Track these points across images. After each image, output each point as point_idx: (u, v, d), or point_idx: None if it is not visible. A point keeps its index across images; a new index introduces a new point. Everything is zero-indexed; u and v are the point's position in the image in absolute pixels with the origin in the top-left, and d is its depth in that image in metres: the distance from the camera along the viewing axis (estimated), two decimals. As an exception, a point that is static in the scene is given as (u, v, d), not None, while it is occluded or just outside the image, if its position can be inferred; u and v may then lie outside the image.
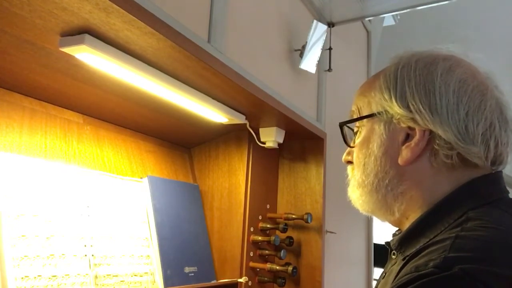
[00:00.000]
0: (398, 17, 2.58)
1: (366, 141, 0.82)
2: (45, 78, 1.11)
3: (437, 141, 0.73)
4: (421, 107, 0.73)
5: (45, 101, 1.21)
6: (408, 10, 1.69)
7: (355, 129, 0.88)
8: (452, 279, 0.56)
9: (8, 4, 0.80)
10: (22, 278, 0.96)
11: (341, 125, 0.89)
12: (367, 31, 2.60)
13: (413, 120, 0.74)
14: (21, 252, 0.98)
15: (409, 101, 0.75)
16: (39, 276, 1.00)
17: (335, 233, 1.89)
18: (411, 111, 0.74)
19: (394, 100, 0.77)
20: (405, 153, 0.76)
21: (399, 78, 0.78)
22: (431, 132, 0.74)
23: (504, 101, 0.77)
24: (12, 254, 0.96)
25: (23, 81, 1.11)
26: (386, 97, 0.78)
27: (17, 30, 0.90)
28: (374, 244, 2.45)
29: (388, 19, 2.60)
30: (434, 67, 0.76)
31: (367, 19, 2.34)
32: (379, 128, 0.80)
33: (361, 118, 0.84)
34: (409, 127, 0.76)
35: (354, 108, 0.87)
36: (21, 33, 0.91)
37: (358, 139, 0.85)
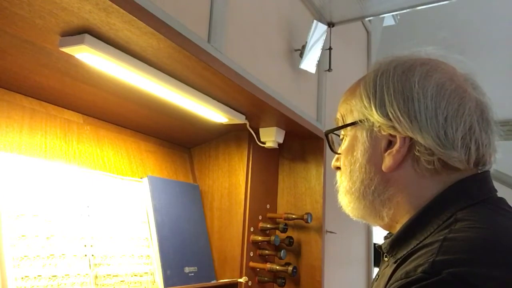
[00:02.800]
0: (398, 17, 2.58)
1: (351, 148, 0.83)
2: (45, 78, 1.11)
3: (417, 148, 0.74)
4: (399, 115, 0.74)
5: (45, 101, 1.21)
6: (408, 10, 1.69)
7: (341, 136, 0.89)
8: (441, 284, 0.56)
9: (8, 4, 0.80)
10: (22, 278, 0.96)
11: (327, 133, 0.90)
12: (367, 31, 2.60)
13: (393, 127, 0.75)
14: (21, 252, 0.98)
15: (388, 109, 0.75)
16: (39, 276, 1.00)
17: (335, 233, 1.89)
18: (390, 119, 0.75)
19: (374, 109, 0.77)
20: (388, 160, 0.77)
21: (378, 85, 0.78)
22: (411, 139, 0.74)
23: (485, 102, 0.76)
24: (12, 254, 0.96)
25: (23, 81, 1.11)
26: (367, 105, 0.79)
27: (17, 30, 0.90)
28: (374, 244, 2.45)
29: (388, 19, 2.60)
30: (411, 73, 0.76)
31: (367, 19, 2.34)
32: (361, 136, 0.80)
33: (344, 126, 0.85)
34: (390, 135, 0.76)
35: (338, 115, 0.88)
36: (21, 33, 0.91)
37: (343, 146, 0.86)
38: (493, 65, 3.42)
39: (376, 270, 2.49)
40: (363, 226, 2.39)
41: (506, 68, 3.52)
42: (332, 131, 0.89)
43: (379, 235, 2.48)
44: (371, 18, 2.09)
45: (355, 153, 0.81)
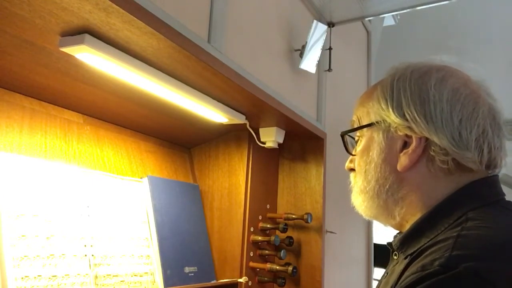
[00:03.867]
0: (398, 17, 2.58)
1: (367, 149, 0.85)
2: (45, 78, 1.11)
3: (433, 148, 0.77)
4: (416, 115, 0.77)
5: (45, 101, 1.21)
6: (408, 10, 1.69)
7: (356, 138, 0.91)
8: (457, 278, 0.59)
9: (8, 4, 0.80)
10: (22, 278, 0.96)
11: (342, 134, 0.93)
12: (367, 31, 2.60)
13: (410, 128, 0.78)
14: (21, 252, 0.98)
15: (405, 111, 0.79)
16: (39, 276, 1.00)
17: (335, 233, 1.89)
18: (407, 120, 0.78)
19: (391, 110, 0.80)
20: (403, 160, 0.79)
21: (395, 88, 0.81)
22: (427, 139, 0.77)
23: (497, 108, 0.80)
24: (12, 254, 0.96)
25: (23, 81, 1.11)
26: (384, 107, 0.82)
27: (17, 30, 0.90)
28: (374, 244, 2.45)
29: (388, 19, 2.61)
30: (428, 78, 0.80)
31: (367, 19, 2.34)
32: (378, 137, 0.83)
33: (361, 127, 0.88)
34: (406, 135, 0.80)
35: (354, 118, 0.91)
36: (21, 33, 0.91)
37: (359, 147, 0.89)
38: (493, 65, 3.43)
39: (376, 270, 2.50)
40: (363, 226, 2.39)
41: (505, 67, 3.53)
42: (348, 132, 0.92)
43: (379, 235, 2.48)
44: (371, 18, 2.08)
45: (370, 153, 0.84)
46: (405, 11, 1.72)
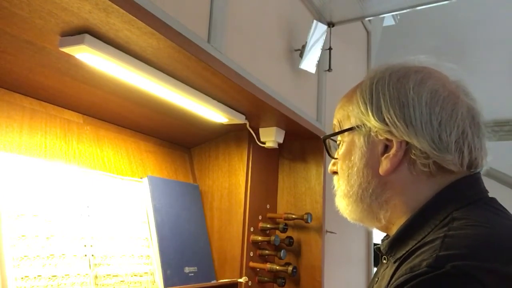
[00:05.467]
0: (398, 17, 2.58)
1: (348, 153, 0.86)
2: (45, 78, 1.11)
3: (413, 151, 0.77)
4: (396, 120, 0.77)
5: (45, 101, 1.21)
6: (408, 10, 1.69)
7: (338, 141, 0.91)
8: (445, 277, 0.59)
9: (8, 4, 0.80)
10: (22, 278, 0.96)
11: (324, 139, 0.93)
12: (367, 31, 2.60)
13: (390, 132, 0.78)
14: (21, 252, 0.98)
15: (385, 115, 0.78)
16: (39, 276, 1.00)
17: (335, 233, 1.89)
18: (387, 124, 0.78)
19: (371, 114, 0.80)
20: (385, 164, 0.80)
21: (374, 92, 0.81)
22: (407, 143, 0.77)
23: (476, 108, 0.80)
24: (12, 254, 0.96)
25: (23, 81, 1.11)
26: (363, 111, 0.82)
27: (17, 30, 0.90)
28: (374, 244, 2.45)
29: (388, 19, 2.61)
30: (406, 80, 0.79)
31: (367, 19, 2.34)
32: (359, 141, 0.83)
33: (341, 131, 0.88)
34: (387, 139, 0.79)
35: (335, 121, 0.91)
36: (21, 33, 0.91)
37: (340, 151, 0.89)
38: (493, 65, 3.42)
39: (376, 270, 2.49)
40: (363, 227, 2.39)
41: (506, 68, 3.52)
42: (329, 136, 0.92)
43: (379, 235, 2.48)
44: (371, 18, 2.09)
45: (352, 158, 0.84)
46: (405, 11, 1.72)
